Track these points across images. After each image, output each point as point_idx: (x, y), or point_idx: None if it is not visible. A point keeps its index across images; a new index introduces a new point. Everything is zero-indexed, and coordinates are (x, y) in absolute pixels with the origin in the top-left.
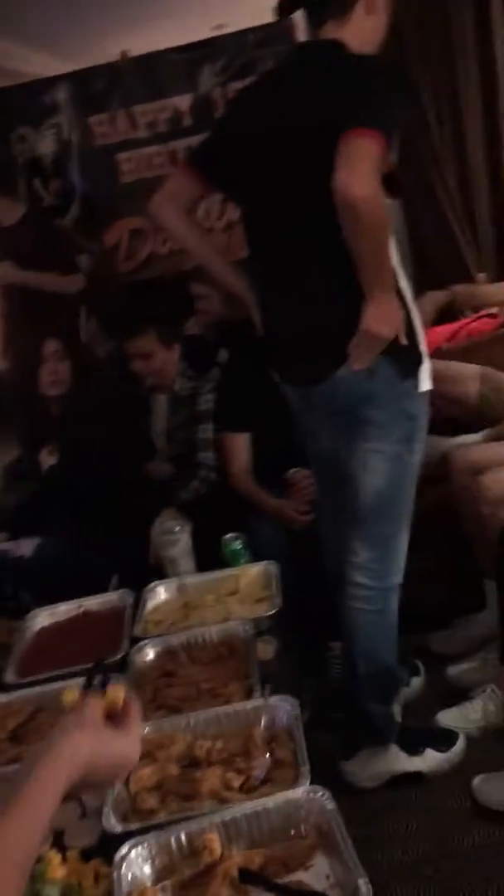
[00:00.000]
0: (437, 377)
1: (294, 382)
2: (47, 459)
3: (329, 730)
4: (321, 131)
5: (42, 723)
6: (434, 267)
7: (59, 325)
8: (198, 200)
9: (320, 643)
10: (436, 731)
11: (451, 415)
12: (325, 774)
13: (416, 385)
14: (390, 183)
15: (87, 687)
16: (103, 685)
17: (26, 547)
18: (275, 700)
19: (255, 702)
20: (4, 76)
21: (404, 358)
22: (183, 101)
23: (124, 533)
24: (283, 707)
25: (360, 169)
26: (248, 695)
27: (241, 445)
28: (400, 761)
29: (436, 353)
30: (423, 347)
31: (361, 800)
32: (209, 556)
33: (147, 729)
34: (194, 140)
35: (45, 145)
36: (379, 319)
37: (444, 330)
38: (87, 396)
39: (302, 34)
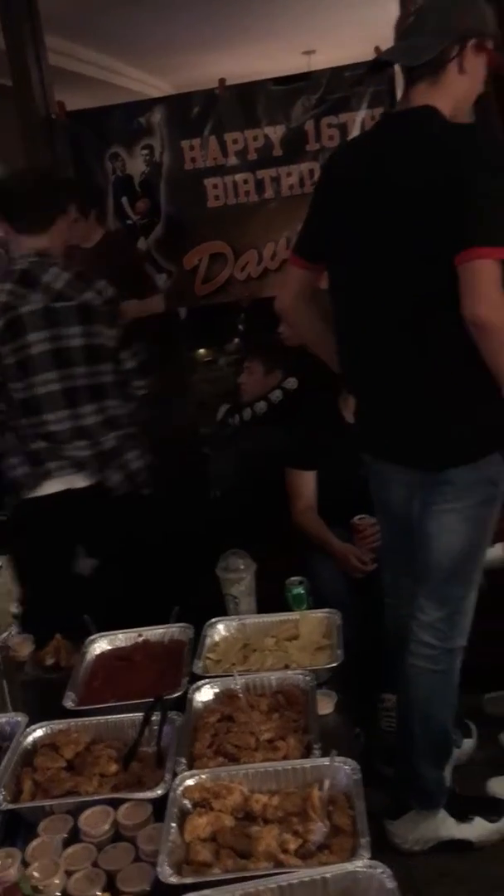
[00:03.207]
0: None
1: (393, 461)
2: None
3: (376, 785)
4: (414, 207)
5: (99, 755)
6: None
7: None
8: (316, 283)
9: (372, 693)
10: (486, 800)
11: None
12: (369, 832)
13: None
14: None
15: (146, 723)
16: (162, 724)
17: (85, 566)
18: (336, 762)
19: (315, 761)
20: (106, 90)
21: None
22: (275, 132)
23: (187, 564)
24: (343, 770)
25: (482, 292)
26: (307, 751)
27: (307, 483)
28: (448, 827)
29: None
30: None
31: (408, 864)
32: (269, 594)
33: (205, 776)
34: (282, 170)
35: (137, 165)
36: None
37: None
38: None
39: (400, 76)
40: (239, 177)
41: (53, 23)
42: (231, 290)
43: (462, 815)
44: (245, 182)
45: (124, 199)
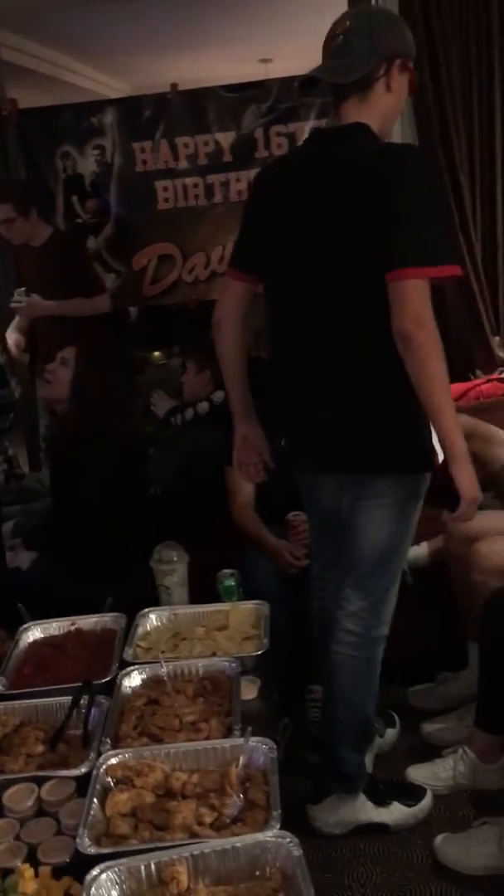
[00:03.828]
0: (467, 433)
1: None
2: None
3: (301, 772)
4: (345, 224)
5: (26, 736)
6: (451, 328)
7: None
8: (255, 292)
9: (301, 685)
10: (404, 786)
11: None
12: (293, 817)
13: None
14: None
15: (74, 706)
16: (90, 707)
17: (23, 559)
18: (253, 742)
19: (234, 741)
20: (64, 89)
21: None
22: (225, 138)
23: (123, 558)
24: (261, 749)
25: (409, 307)
26: (228, 732)
27: (245, 481)
28: (366, 811)
29: None
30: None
31: (328, 846)
32: (203, 590)
33: (128, 755)
34: (231, 175)
35: (88, 165)
36: (472, 481)
37: (454, 388)
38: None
39: None
40: (189, 180)
41: (10, 19)
42: (179, 292)
43: (380, 800)
44: (195, 186)
45: (74, 198)
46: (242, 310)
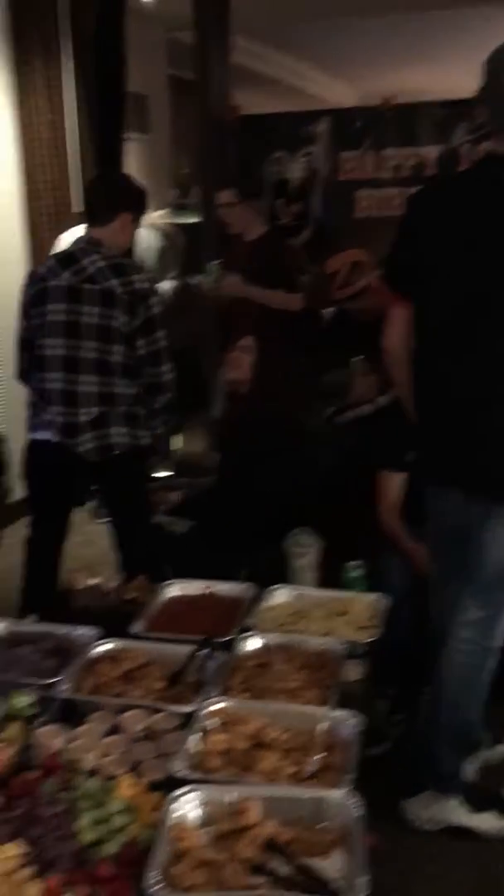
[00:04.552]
0: None
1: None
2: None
3: (406, 766)
4: None
5: (148, 673)
6: None
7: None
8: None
9: (419, 684)
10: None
11: None
12: (388, 805)
13: None
14: None
15: (192, 656)
16: (207, 659)
17: (181, 526)
18: (343, 714)
19: (325, 709)
20: (293, 94)
21: None
22: (430, 152)
23: (265, 535)
24: (349, 722)
25: None
26: (324, 703)
27: (395, 484)
28: (458, 814)
29: None
30: None
31: (417, 838)
32: (330, 576)
33: (231, 703)
34: None
35: (295, 170)
36: None
37: None
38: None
39: None
40: (389, 191)
41: (251, 28)
42: (366, 299)
43: (477, 806)
44: (395, 198)
45: (279, 201)
46: (409, 334)
